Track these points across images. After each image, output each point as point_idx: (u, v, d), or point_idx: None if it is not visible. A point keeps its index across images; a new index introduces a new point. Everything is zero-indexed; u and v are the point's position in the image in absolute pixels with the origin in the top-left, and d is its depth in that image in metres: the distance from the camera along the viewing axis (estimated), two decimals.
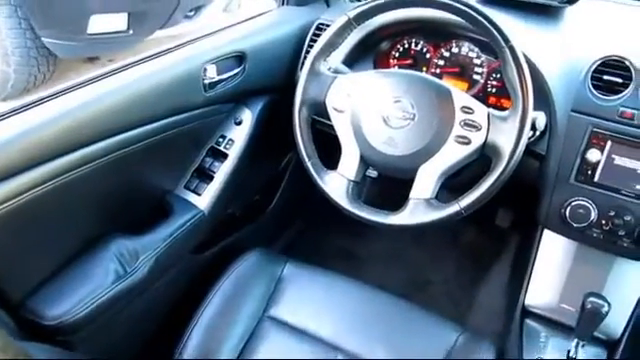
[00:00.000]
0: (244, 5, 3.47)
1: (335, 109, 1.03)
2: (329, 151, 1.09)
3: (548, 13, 1.20)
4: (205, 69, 1.13)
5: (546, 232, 1.21)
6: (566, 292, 1.20)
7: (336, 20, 1.05)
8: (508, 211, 1.76)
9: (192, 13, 3.06)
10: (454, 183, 1.05)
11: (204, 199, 1.23)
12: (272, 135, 1.35)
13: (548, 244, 1.22)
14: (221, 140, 1.27)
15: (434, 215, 0.94)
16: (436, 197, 0.97)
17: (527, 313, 1.25)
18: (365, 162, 1.02)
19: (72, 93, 0.95)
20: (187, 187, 1.25)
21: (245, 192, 1.47)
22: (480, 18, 0.93)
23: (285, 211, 1.68)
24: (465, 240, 1.82)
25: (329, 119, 1.05)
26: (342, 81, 1.03)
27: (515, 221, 1.74)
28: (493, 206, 1.77)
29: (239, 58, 1.21)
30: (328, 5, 1.42)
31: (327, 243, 1.81)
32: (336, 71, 1.09)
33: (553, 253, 1.22)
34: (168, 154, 1.16)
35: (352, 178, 1.01)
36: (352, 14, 1.02)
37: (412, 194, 0.96)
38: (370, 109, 0.99)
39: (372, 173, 1.11)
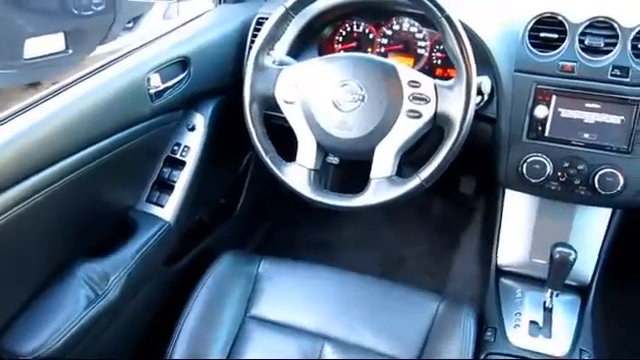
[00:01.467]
0: (183, 10, 3.41)
1: (285, 101, 1.03)
2: (287, 143, 1.09)
3: None
4: (148, 79, 1.11)
5: (508, 192, 1.25)
6: (535, 246, 1.24)
7: (273, 12, 1.04)
8: (471, 178, 1.80)
9: (131, 24, 3.01)
10: (415, 157, 1.07)
11: (168, 210, 1.21)
12: (228, 136, 1.34)
13: (511, 203, 1.26)
14: (176, 148, 1.26)
15: (397, 191, 0.95)
16: (398, 174, 0.99)
17: (501, 273, 1.28)
18: (322, 149, 1.02)
19: (13, 121, 0.92)
20: (149, 200, 1.23)
21: (210, 197, 1.46)
22: None
23: (254, 210, 1.67)
24: (433, 212, 1.85)
25: (281, 112, 1.04)
26: (288, 72, 1.03)
27: (479, 186, 1.77)
28: (456, 175, 1.81)
29: (183, 63, 1.19)
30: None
31: (300, 236, 1.81)
32: (281, 63, 1.08)
33: (517, 211, 1.25)
34: (124, 169, 1.14)
35: (312, 167, 1.01)
36: (288, 4, 1.02)
37: (372, 174, 0.97)
38: (319, 96, 1.00)
39: (333, 160, 1.12)
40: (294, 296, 1.15)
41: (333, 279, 1.18)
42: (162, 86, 1.14)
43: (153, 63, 1.12)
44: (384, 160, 0.97)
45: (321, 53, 1.28)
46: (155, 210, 1.22)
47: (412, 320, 1.08)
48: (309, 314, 1.11)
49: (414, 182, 0.95)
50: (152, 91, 1.12)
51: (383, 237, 1.81)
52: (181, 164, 1.25)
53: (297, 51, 1.25)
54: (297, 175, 1.01)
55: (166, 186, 1.24)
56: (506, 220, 1.27)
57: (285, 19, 1.04)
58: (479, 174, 1.72)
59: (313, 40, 1.28)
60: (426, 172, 0.94)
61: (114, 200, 1.18)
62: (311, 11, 1.20)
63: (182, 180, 1.24)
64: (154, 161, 1.24)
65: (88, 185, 1.03)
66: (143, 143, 1.14)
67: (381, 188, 0.96)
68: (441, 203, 1.84)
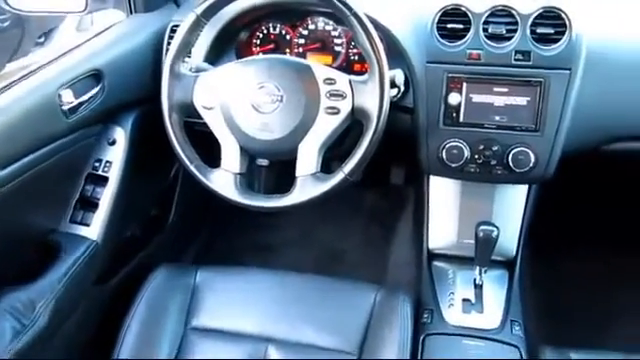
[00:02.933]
0: (98, 20, 3.29)
1: (204, 107, 1.02)
2: (213, 149, 1.09)
3: None
4: (59, 95, 1.07)
5: (432, 178, 1.30)
6: (462, 228, 1.29)
7: (185, 19, 1.03)
8: (400, 168, 1.85)
9: (42, 39, 2.87)
10: (340, 152, 1.09)
11: (94, 229, 1.18)
12: (153, 147, 1.31)
13: (436, 189, 1.31)
14: (97, 164, 1.22)
15: (323, 187, 0.97)
16: (327, 170, 1.00)
17: (433, 256, 1.33)
18: (247, 152, 1.02)
19: None
20: (73, 220, 1.19)
21: (139, 210, 1.42)
22: None
23: (187, 219, 1.65)
24: (367, 205, 1.89)
25: (202, 118, 1.04)
26: (205, 78, 1.03)
27: (408, 176, 1.83)
28: (386, 166, 1.86)
29: (96, 77, 1.16)
30: (178, 6, 1.40)
31: (239, 242, 1.80)
32: (198, 70, 1.08)
33: (442, 196, 1.30)
34: (44, 190, 1.09)
35: (237, 171, 1.02)
36: (199, 10, 1.01)
37: (298, 172, 0.98)
38: (238, 100, 1.00)
39: (263, 162, 1.12)
40: (234, 302, 1.14)
41: (271, 281, 1.18)
42: (76, 101, 1.10)
43: (63, 78, 1.08)
44: (308, 158, 0.98)
45: (239, 57, 1.28)
46: (81, 230, 1.18)
47: (351, 312, 1.10)
48: (250, 318, 1.11)
49: (338, 176, 0.97)
50: (65, 107, 1.08)
51: (322, 233, 1.83)
52: (104, 180, 1.21)
53: (215, 57, 1.25)
54: (223, 180, 1.01)
55: (90, 204, 1.20)
56: (433, 205, 1.32)
57: (197, 25, 1.03)
58: (407, 163, 1.77)
59: (230, 44, 1.28)
60: (349, 166, 0.97)
61: (35, 223, 1.13)
62: (225, 16, 1.19)
63: (106, 197, 1.20)
64: (75, 179, 1.20)
65: (6, 210, 0.99)
66: (61, 161, 1.10)
67: (307, 185, 0.98)
68: (374, 195, 1.89)
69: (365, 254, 1.75)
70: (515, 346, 1.10)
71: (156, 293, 1.14)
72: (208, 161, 1.05)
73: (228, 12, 1.19)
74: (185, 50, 1.04)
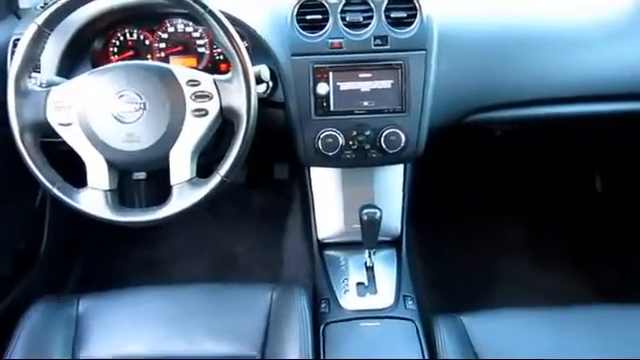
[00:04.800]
0: None
1: (61, 124, 0.95)
2: (79, 168, 1.01)
3: None
4: None
5: (312, 169, 1.31)
6: (347, 214, 1.32)
7: (25, 32, 0.95)
8: (282, 163, 1.85)
9: None
10: (218, 155, 1.06)
11: None
12: (10, 174, 1.19)
13: (318, 179, 1.32)
14: None
15: (201, 192, 0.94)
16: (207, 175, 0.97)
17: (324, 246, 1.35)
18: (115, 166, 0.97)
19: None
20: None
21: (3, 246, 1.29)
22: None
23: (63, 246, 1.53)
24: (256, 204, 1.87)
25: (59, 136, 0.96)
26: (58, 93, 0.95)
27: (291, 170, 1.84)
28: (268, 163, 1.85)
29: None
30: (19, 18, 1.28)
31: (125, 262, 1.71)
32: (49, 84, 0.99)
33: (325, 185, 1.32)
34: None
35: (107, 188, 0.96)
36: (40, 20, 0.94)
37: (172, 180, 0.95)
38: (98, 112, 0.94)
39: (139, 175, 1.06)
40: (123, 327, 1.07)
41: (162, 297, 1.13)
42: None
43: None
44: (181, 164, 0.95)
45: (95, 67, 1.20)
46: None
47: (249, 315, 1.08)
48: (145, 340, 1.05)
49: (215, 179, 0.95)
50: None
51: (212, 240, 1.79)
52: None
53: (69, 69, 1.16)
54: (92, 199, 0.95)
55: None
56: (317, 196, 1.34)
57: (40, 37, 0.95)
58: (289, 158, 1.78)
59: (85, 55, 1.20)
60: (225, 167, 0.95)
61: None
62: (73, 24, 1.11)
63: None
64: None
65: None
66: None
67: (184, 193, 0.94)
68: (260, 193, 1.88)
69: (259, 254, 1.73)
70: (410, 320, 1.14)
71: (35, 330, 1.04)
72: (77, 181, 0.98)
73: (76, 20, 1.11)
74: (30, 65, 0.96)
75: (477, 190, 1.89)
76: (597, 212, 1.84)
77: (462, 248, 1.76)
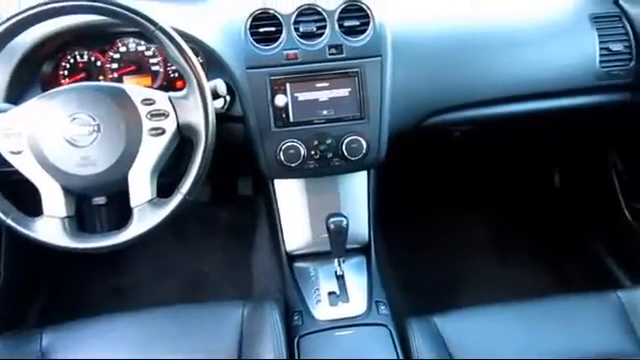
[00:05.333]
0: None
1: (11, 152, 0.91)
2: (35, 196, 0.97)
3: None
4: None
5: (277, 182, 1.30)
6: (314, 224, 1.31)
7: None
8: (246, 179, 1.84)
9: None
10: (179, 174, 1.04)
11: None
12: None
13: (283, 192, 1.31)
14: None
15: (163, 213, 0.92)
16: (162, 195, 0.95)
17: (293, 258, 1.34)
18: (71, 192, 0.94)
19: None
20: None
21: None
22: (120, 10, 0.91)
23: (22, 279, 1.46)
24: (221, 222, 1.85)
25: (11, 165, 0.93)
26: (6, 120, 0.92)
27: (255, 185, 1.82)
28: (231, 179, 1.83)
29: None
30: None
31: (89, 291, 1.65)
32: None
33: (290, 197, 1.31)
34: None
35: (64, 215, 0.93)
36: None
37: (133, 202, 0.93)
38: (50, 137, 0.91)
39: (99, 200, 1.03)
40: (91, 357, 1.04)
41: (130, 324, 1.09)
42: None
43: None
44: (140, 185, 0.93)
45: (45, 91, 1.17)
46: None
47: (221, 334, 1.06)
48: None
49: (177, 198, 0.93)
50: None
51: (179, 261, 1.76)
52: None
53: (18, 95, 1.12)
54: (49, 228, 0.92)
55: None
56: (283, 209, 1.32)
57: None
58: (252, 173, 1.76)
59: (34, 79, 1.16)
60: (186, 185, 0.93)
61: None
62: (18, 48, 1.08)
63: None
64: None
65: None
66: None
67: (145, 214, 0.92)
68: (226, 210, 1.86)
69: (228, 272, 1.71)
70: (384, 325, 1.14)
71: None
72: (33, 210, 0.94)
73: (23, 44, 1.08)
74: None
75: (440, 191, 1.92)
76: (557, 207, 1.89)
77: (430, 249, 1.77)
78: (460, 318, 1.11)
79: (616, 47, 1.23)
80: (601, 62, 1.23)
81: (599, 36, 1.23)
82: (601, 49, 1.23)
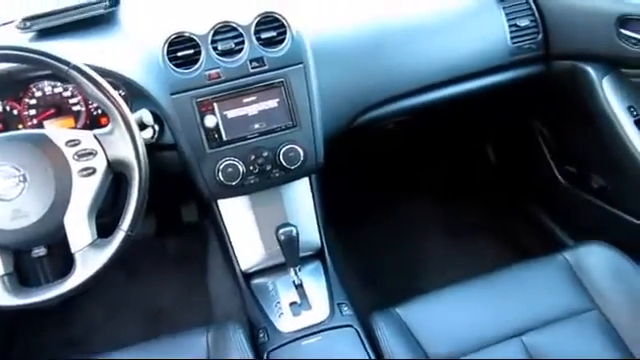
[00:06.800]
0: None
1: None
2: None
3: (104, 22, 1.21)
4: None
5: (220, 202, 1.29)
6: (265, 238, 1.30)
7: None
8: (189, 205, 1.81)
9: None
10: (118, 211, 1.01)
11: None
12: None
13: (228, 211, 1.30)
14: None
15: (107, 253, 0.89)
16: (104, 235, 0.92)
17: (249, 276, 1.32)
18: (5, 249, 0.89)
19: None
20: None
21: None
22: (28, 55, 0.88)
23: None
24: (171, 252, 1.81)
25: None
26: None
27: (200, 209, 1.79)
28: (174, 208, 1.80)
29: None
30: None
31: (40, 347, 1.58)
32: None
33: (236, 215, 1.30)
34: None
35: (2, 273, 0.89)
36: None
37: (73, 248, 0.89)
38: None
39: (39, 251, 0.99)
40: None
41: None
42: None
43: None
44: (78, 229, 0.90)
45: None
46: None
47: None
48: None
49: (119, 236, 0.90)
50: None
51: (134, 299, 1.70)
52: None
53: None
54: None
55: None
56: (231, 228, 1.31)
57: None
58: (193, 198, 1.74)
59: None
60: (126, 222, 0.91)
61: None
62: None
63: None
64: None
65: None
66: None
67: (88, 258, 0.89)
68: (174, 240, 1.82)
69: (186, 300, 1.67)
70: (349, 326, 1.15)
71: None
72: None
73: None
74: None
75: (382, 181, 1.95)
76: (496, 181, 1.97)
77: (383, 241, 1.80)
78: (422, 305, 1.13)
79: (523, 22, 1.30)
80: (512, 38, 1.29)
81: (506, 14, 1.30)
82: (510, 26, 1.29)
